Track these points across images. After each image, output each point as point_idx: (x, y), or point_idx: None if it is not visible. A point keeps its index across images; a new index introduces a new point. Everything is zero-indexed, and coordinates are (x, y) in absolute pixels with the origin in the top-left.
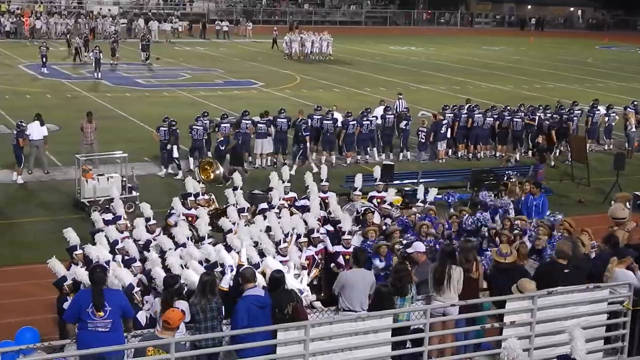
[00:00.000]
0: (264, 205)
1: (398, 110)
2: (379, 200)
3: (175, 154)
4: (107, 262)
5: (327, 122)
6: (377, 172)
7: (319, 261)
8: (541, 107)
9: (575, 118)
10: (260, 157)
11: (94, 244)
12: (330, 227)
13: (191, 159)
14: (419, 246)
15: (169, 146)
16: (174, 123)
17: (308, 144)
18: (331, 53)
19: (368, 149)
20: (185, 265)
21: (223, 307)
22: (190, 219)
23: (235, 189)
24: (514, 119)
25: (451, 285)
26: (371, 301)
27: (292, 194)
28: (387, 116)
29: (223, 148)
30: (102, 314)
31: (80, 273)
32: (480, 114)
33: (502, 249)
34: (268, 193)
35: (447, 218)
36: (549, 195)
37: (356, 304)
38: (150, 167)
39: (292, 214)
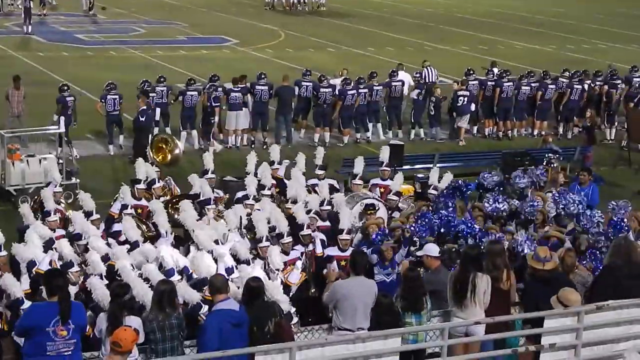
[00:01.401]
0: (241, 194)
1: (428, 81)
2: (382, 189)
3: (62, 128)
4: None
5: (324, 90)
6: (384, 153)
7: (305, 264)
8: (585, 73)
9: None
10: (234, 134)
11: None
12: (323, 223)
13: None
14: (432, 249)
15: (55, 117)
16: (65, 88)
17: (217, 118)
18: (324, 2)
19: (371, 125)
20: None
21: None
22: (139, 211)
23: (205, 173)
24: (574, 87)
25: (476, 298)
26: (371, 315)
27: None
28: (394, 84)
29: (143, 119)
30: (65, 332)
31: (9, 282)
32: (510, 82)
33: (540, 253)
34: (244, 180)
35: (469, 209)
36: (600, 185)
37: (354, 321)
38: (93, 146)
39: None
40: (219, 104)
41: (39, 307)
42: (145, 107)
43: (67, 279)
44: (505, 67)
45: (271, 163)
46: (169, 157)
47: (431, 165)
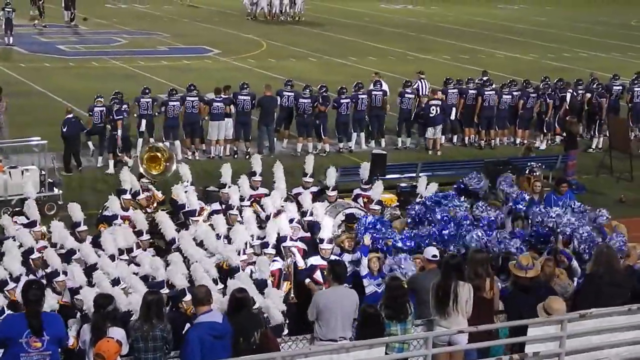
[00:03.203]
0: (216, 205)
1: (421, 93)
2: (365, 199)
3: None
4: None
5: (303, 100)
6: (364, 170)
7: (287, 272)
8: (561, 81)
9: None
10: (216, 144)
11: (1, 254)
12: (304, 233)
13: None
14: (427, 251)
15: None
16: None
17: (119, 131)
18: (302, 11)
19: (355, 134)
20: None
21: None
22: (127, 222)
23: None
24: (556, 94)
25: (458, 307)
26: (357, 327)
27: (262, 190)
28: (375, 93)
29: (65, 129)
30: (39, 344)
31: None
32: (493, 91)
33: (522, 261)
34: (220, 190)
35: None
36: (581, 194)
37: (336, 331)
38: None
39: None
40: (121, 117)
41: (11, 318)
42: (70, 116)
43: (44, 291)
44: (487, 77)
45: (252, 174)
46: (165, 165)
47: (414, 175)
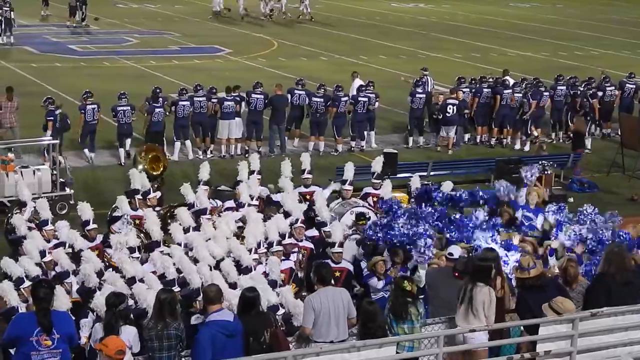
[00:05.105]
0: (230, 203)
1: (427, 89)
2: (375, 198)
3: None
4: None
5: (316, 99)
6: (377, 165)
7: (297, 272)
8: (572, 79)
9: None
10: (227, 143)
11: (15, 255)
12: (314, 232)
13: (121, 150)
14: (449, 249)
15: None
16: None
17: (49, 132)
18: (309, 10)
19: (365, 132)
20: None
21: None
22: (138, 221)
23: (199, 183)
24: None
25: (474, 309)
26: (358, 324)
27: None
28: (419, 95)
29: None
30: (49, 342)
31: (6, 289)
32: (509, 90)
33: (522, 262)
34: (235, 188)
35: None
36: (593, 193)
37: (328, 333)
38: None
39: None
40: (51, 118)
41: (21, 317)
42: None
43: (53, 290)
44: (498, 75)
45: (251, 172)
46: (162, 169)
47: (425, 173)
